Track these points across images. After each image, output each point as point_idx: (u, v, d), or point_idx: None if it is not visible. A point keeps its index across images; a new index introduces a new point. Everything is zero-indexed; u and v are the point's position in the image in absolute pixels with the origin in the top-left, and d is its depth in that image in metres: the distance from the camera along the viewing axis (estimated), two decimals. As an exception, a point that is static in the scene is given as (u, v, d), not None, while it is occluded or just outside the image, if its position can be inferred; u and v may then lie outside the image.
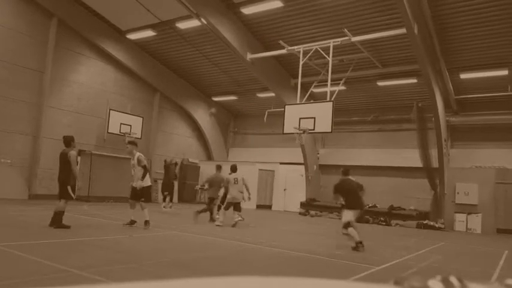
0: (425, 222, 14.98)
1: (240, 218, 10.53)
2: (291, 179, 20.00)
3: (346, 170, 8.37)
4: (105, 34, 16.75)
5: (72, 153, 8.03)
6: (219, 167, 11.78)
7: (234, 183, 10.67)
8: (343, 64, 15.33)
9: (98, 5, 15.51)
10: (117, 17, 16.09)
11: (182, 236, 8.29)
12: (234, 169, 10.94)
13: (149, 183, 9.11)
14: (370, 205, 16.33)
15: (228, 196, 10.75)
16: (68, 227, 7.83)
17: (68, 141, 8.18)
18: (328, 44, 12.70)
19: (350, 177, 8.24)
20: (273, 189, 20.44)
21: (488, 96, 15.47)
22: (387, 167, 17.59)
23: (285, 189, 20.09)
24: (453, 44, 13.27)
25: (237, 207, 10.62)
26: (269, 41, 15.29)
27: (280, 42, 13.73)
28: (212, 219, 11.28)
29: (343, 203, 8.01)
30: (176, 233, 8.37)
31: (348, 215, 7.82)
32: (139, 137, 17.97)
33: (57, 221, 7.80)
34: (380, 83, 16.42)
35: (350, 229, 7.70)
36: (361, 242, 7.62)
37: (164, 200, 13.93)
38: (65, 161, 8.01)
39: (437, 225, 14.76)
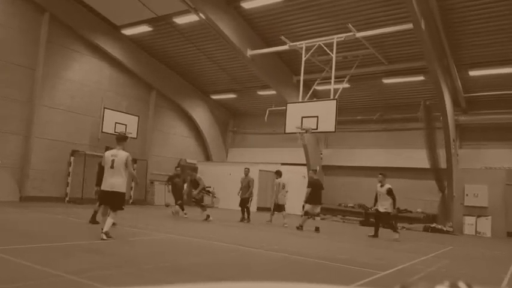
0: (432, 225, 14.97)
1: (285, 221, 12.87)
2: (293, 180, 19.93)
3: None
4: (99, 30, 16.75)
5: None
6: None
7: (282, 188, 13.35)
8: (347, 61, 15.33)
9: (91, -1, 15.53)
10: (112, 12, 16.09)
11: (180, 239, 8.29)
12: (280, 174, 13.61)
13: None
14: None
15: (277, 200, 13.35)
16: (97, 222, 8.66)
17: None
18: (331, 40, 12.70)
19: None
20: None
21: (498, 94, 15.47)
22: (393, 168, 17.54)
23: (286, 191, 20.05)
24: (461, 39, 13.27)
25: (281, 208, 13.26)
26: (270, 37, 15.29)
27: (282, 37, 13.73)
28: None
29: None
30: (174, 237, 8.37)
31: (308, 207, 12.13)
32: (135, 136, 17.99)
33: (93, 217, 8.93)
34: (386, 81, 16.41)
35: (305, 217, 12.13)
36: (301, 227, 12.01)
37: (182, 209, 13.56)
38: None
39: (445, 229, 14.74)
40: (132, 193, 18.00)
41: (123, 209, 7.58)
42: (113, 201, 7.43)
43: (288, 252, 7.45)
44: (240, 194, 13.36)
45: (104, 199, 7.63)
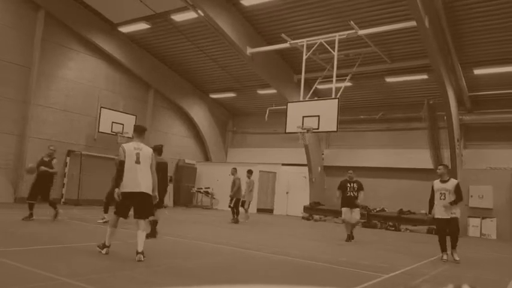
0: (436, 227, 14.95)
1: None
2: (293, 181, 20.00)
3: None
4: (95, 27, 16.75)
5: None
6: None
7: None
8: (349, 59, 15.33)
9: (88, -4, 15.53)
10: (109, 9, 16.08)
11: (177, 241, 8.28)
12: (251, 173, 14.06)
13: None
14: (378, 209, 16.34)
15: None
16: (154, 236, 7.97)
17: (159, 149, 8.36)
18: (333, 38, 12.69)
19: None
20: (274, 192, 20.43)
21: (504, 93, 15.46)
22: (396, 169, 17.58)
23: (287, 192, 20.08)
24: (466, 37, 13.26)
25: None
26: (270, 35, 15.28)
27: (283, 35, 13.72)
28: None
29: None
30: (171, 239, 8.36)
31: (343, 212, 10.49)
32: (132, 136, 17.96)
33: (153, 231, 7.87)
34: (388, 79, 16.40)
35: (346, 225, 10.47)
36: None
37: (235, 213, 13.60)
38: (161, 170, 7.75)
39: (449, 231, 14.72)
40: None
41: (153, 215, 6.94)
42: (143, 206, 6.04)
43: (289, 255, 7.45)
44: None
45: (129, 204, 6.09)
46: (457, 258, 7.92)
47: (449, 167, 8.54)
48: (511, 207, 14.85)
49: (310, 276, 5.88)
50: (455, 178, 15.44)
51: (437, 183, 8.26)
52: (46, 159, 10.14)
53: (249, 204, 14.33)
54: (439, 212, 8.07)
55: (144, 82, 19.43)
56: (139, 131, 6.48)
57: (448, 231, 8.05)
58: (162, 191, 7.78)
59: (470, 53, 14.04)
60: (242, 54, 15.05)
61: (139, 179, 5.98)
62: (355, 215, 10.27)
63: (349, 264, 6.86)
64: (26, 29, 15.00)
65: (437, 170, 8.40)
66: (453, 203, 7.89)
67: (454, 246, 8.03)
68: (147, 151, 6.22)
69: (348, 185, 10.34)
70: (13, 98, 14.76)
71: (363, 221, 15.71)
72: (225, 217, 14.99)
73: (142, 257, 5.74)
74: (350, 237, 10.24)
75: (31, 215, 9.60)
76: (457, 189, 8.04)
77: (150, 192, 6.12)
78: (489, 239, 14.48)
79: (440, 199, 8.08)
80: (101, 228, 9.21)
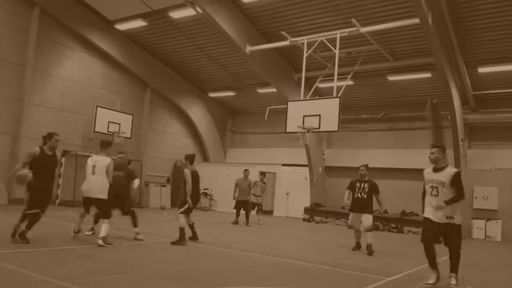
0: (440, 229, 14.94)
1: None
2: (294, 182, 19.98)
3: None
4: (91, 24, 16.74)
5: (186, 171, 8.34)
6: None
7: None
8: (350, 57, 15.33)
9: (83, -8, 15.53)
10: (105, 6, 16.08)
11: (166, 243, 8.28)
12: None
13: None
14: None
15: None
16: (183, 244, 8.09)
17: (191, 159, 8.72)
18: (334, 35, 12.70)
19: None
20: (274, 193, 20.42)
21: (509, 92, 15.47)
22: (399, 169, 17.57)
23: (287, 193, 20.08)
24: (471, 34, 13.27)
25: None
26: (270, 32, 15.28)
27: (283, 33, 13.72)
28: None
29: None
30: (169, 241, 8.35)
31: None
32: (129, 136, 17.98)
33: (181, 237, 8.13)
34: (391, 78, 16.41)
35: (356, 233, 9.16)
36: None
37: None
38: (195, 179, 8.48)
39: (453, 233, 14.71)
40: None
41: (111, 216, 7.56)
42: (98, 208, 7.77)
43: (290, 258, 7.45)
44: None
45: (88, 204, 7.79)
46: (453, 283, 5.53)
47: (446, 149, 6.22)
48: (516, 208, 14.85)
49: (312, 279, 5.88)
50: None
51: (428, 173, 5.97)
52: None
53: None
54: (429, 212, 5.79)
55: (141, 81, 19.43)
56: (103, 146, 7.76)
57: (443, 242, 5.72)
58: (196, 199, 8.55)
59: (474, 51, 14.05)
60: (241, 52, 15.05)
61: (91, 186, 7.48)
62: (365, 221, 8.67)
63: (352, 267, 6.87)
64: (20, 27, 14.99)
65: (430, 155, 5.99)
66: (450, 202, 5.57)
67: (453, 269, 5.65)
68: (102, 163, 7.50)
69: (358, 185, 8.89)
70: (7, 96, 14.75)
71: (379, 228, 14.97)
72: (224, 219, 15.00)
73: (101, 241, 6.98)
74: (358, 246, 9.01)
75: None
76: (456, 182, 5.67)
77: (102, 197, 7.41)
78: (494, 241, 14.49)
79: (432, 195, 5.77)
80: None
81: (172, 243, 7.96)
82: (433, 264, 5.75)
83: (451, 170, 5.79)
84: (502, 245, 13.66)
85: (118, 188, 7.95)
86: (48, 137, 7.42)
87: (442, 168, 5.80)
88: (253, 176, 14.63)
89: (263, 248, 8.46)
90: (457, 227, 5.65)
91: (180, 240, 8.00)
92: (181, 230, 8.09)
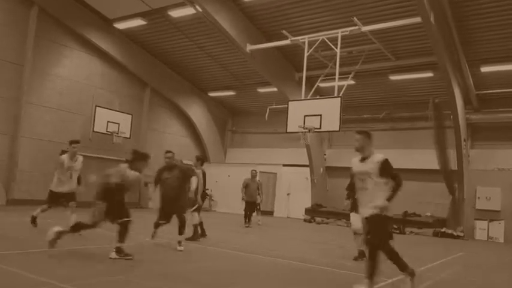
0: (442, 230, 14.98)
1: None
2: (294, 182, 20.00)
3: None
4: (90, 23, 16.75)
5: (198, 171, 9.09)
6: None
7: None
8: (352, 56, 15.33)
9: (82, -9, 15.54)
10: (104, 4, 16.08)
11: (174, 245, 8.28)
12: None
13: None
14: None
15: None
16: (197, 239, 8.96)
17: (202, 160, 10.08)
18: (336, 34, 12.69)
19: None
20: (275, 193, 20.44)
21: (512, 92, 15.47)
22: (400, 170, 17.24)
23: (288, 194, 20.09)
24: (473, 33, 13.26)
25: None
26: (271, 31, 15.29)
27: (283, 32, 13.72)
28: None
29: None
30: (168, 242, 8.37)
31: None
32: (128, 136, 17.98)
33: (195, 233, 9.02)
34: (393, 77, 16.41)
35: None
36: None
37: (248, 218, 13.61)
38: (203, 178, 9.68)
39: (455, 234, 14.75)
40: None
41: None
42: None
43: (291, 259, 7.46)
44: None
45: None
46: None
47: (371, 135, 5.62)
48: (519, 209, 14.85)
49: (313, 281, 5.89)
50: (462, 179, 15.69)
51: (355, 164, 5.45)
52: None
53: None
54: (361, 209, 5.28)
55: (140, 80, 19.43)
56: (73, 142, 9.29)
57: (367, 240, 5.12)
58: (204, 198, 9.56)
59: (477, 50, 14.04)
60: (242, 51, 15.05)
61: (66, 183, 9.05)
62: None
63: (353, 268, 6.87)
64: (18, 26, 15.00)
65: (355, 142, 5.52)
66: (390, 198, 4.96)
67: (401, 269, 5.40)
68: (78, 162, 9.28)
69: None
70: (5, 96, 14.75)
71: None
72: (224, 219, 15.02)
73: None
74: (361, 255, 7.37)
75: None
76: (386, 169, 5.09)
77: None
78: (496, 242, 14.48)
79: (362, 188, 5.21)
80: (92, 230, 9.22)
81: (187, 239, 8.43)
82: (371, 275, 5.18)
83: (376, 158, 5.18)
84: (504, 246, 13.66)
85: (170, 190, 7.63)
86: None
87: (367, 157, 5.27)
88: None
89: (263, 249, 8.47)
90: (380, 218, 4.99)
91: (194, 237, 8.90)
92: (195, 226, 8.97)
